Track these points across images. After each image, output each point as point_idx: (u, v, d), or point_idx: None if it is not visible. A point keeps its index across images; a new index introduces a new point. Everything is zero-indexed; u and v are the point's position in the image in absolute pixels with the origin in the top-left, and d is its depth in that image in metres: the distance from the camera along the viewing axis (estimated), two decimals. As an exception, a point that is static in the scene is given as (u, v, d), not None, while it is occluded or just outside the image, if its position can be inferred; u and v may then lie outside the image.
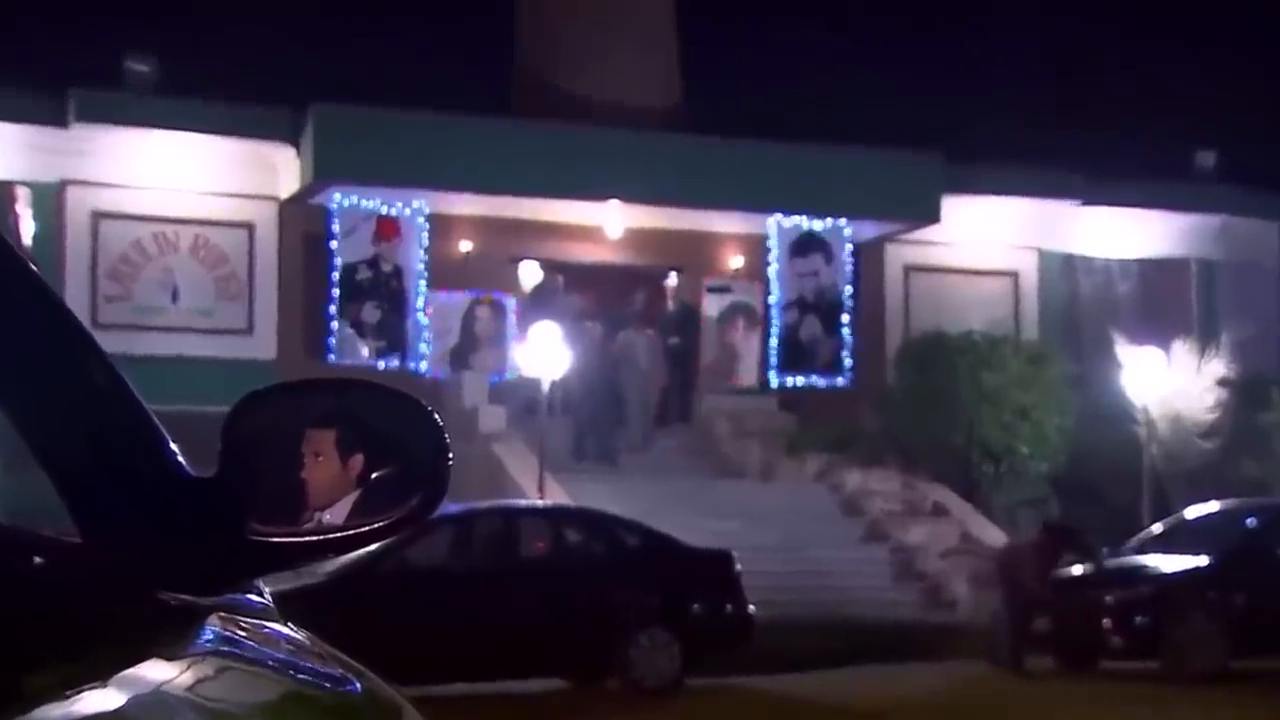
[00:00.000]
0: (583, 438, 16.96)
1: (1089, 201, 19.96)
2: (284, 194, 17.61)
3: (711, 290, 19.02)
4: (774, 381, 18.63)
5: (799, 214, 18.68)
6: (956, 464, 17.45)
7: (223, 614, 1.35)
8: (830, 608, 13.92)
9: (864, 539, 16.46)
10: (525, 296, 18.41)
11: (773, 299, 18.76)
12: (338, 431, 1.45)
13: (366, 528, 1.43)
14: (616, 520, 11.58)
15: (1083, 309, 20.50)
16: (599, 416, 16.94)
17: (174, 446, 1.41)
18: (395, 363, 17.42)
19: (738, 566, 11.32)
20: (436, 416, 1.45)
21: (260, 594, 1.47)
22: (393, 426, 1.46)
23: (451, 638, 10.29)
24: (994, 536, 16.16)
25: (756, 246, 18.93)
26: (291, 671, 1.34)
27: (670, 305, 19.15)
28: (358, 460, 1.45)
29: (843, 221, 18.83)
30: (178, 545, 1.36)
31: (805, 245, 18.82)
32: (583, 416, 16.93)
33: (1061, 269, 20.49)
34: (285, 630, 1.43)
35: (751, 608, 11.20)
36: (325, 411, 1.46)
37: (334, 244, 17.45)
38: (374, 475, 1.45)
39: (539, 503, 13.32)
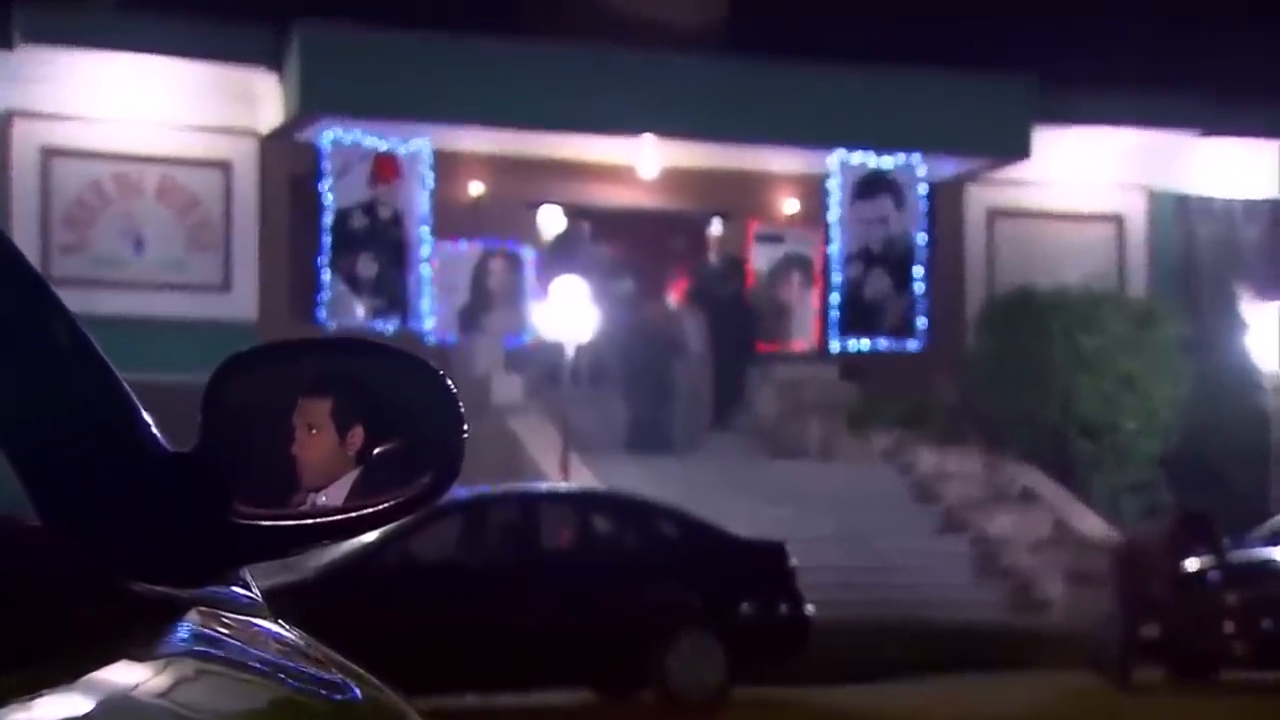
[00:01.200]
0: (641, 426, 17.01)
1: (1209, 131, 19.76)
2: (265, 128, 17.66)
3: (761, 239, 18.98)
4: (834, 346, 18.61)
5: (864, 149, 18.60)
6: (1049, 442, 17.40)
7: (204, 609, 1.37)
8: (900, 608, 13.94)
9: (940, 529, 16.44)
10: (545, 247, 18.43)
11: (833, 249, 18.71)
12: (334, 400, 1.45)
13: (368, 510, 1.44)
14: (652, 506, 11.62)
15: (1200, 259, 20.34)
16: (654, 400, 17.01)
17: (148, 417, 1.43)
18: (395, 324, 17.50)
19: (792, 560, 11.35)
20: (449, 381, 1.46)
21: (246, 587, 1.48)
22: (398, 394, 1.47)
23: (462, 642, 10.37)
24: (1093, 526, 16.12)
25: (814, 188, 18.86)
26: (282, 675, 1.35)
27: (713, 257, 19.14)
28: (357, 433, 1.46)
29: (916, 158, 18.72)
30: (152, 529, 1.37)
31: (871, 186, 18.74)
32: (636, 399, 16.99)
33: (1175, 212, 20.32)
34: (275, 628, 1.45)
35: (808, 608, 11.23)
36: (320, 377, 1.47)
37: (324, 186, 17.51)
38: (376, 451, 1.46)
39: (562, 486, 13.38)
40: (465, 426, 1.45)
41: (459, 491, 10.12)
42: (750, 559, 11.37)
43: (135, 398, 1.42)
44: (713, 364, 17.92)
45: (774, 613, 11.16)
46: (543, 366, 16.90)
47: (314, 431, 1.45)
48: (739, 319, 18.15)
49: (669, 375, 17.28)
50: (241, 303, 17.48)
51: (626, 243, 18.60)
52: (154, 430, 1.43)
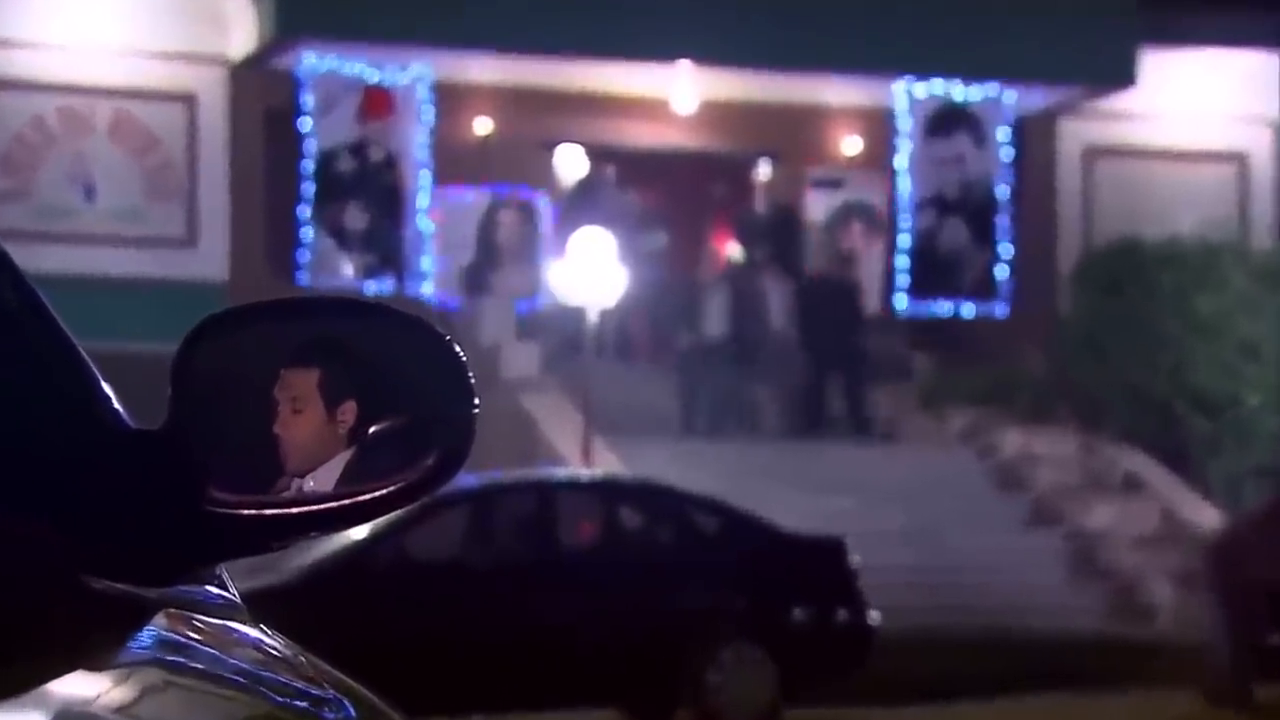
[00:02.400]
0: (701, 404, 16.94)
1: (1346, 55, 19.59)
2: (236, 55, 17.69)
3: (818, 185, 18.93)
4: (903, 308, 18.58)
5: (938, 78, 18.52)
6: (1157, 420, 17.34)
7: (173, 611, 1.38)
8: (979, 615, 13.94)
9: (1027, 522, 16.43)
10: (564, 195, 18.43)
11: (901, 196, 18.65)
12: (322, 370, 1.47)
13: (363, 498, 1.45)
14: (689, 497, 11.64)
15: (1336, 205, 20.19)
16: (727, 375, 16.97)
17: (109, 390, 1.44)
18: (389, 285, 17.55)
19: (854, 559, 11.36)
20: (457, 347, 1.48)
21: (223, 586, 1.50)
22: (397, 362, 1.48)
23: (468, 654, 10.43)
24: (1208, 518, 16.07)
25: (879, 124, 18.80)
26: (263, 688, 1.36)
27: (760, 206, 19.10)
28: (350, 409, 1.48)
29: (999, 88, 18.64)
30: (114, 519, 1.39)
31: (947, 121, 18.65)
32: (701, 374, 16.93)
33: (1306, 150, 20.17)
34: (256, 634, 1.46)
35: (873, 614, 11.25)
36: (305, 344, 1.49)
37: (305, 124, 17.53)
38: (372, 429, 1.48)
39: (584, 473, 13.42)
40: (476, 400, 1.47)
41: (465, 479, 10.17)
42: (804, 558, 11.39)
43: (94, 368, 1.44)
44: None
45: (832, 620, 11.18)
46: (561, 334, 16.92)
47: (299, 407, 1.47)
48: (815, 282, 18.07)
49: (748, 345, 17.16)
50: (209, 259, 17.55)
51: (659, 190, 18.58)
52: (116, 405, 1.45)
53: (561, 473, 13.31)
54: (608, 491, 11.81)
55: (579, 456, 14.78)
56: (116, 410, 1.45)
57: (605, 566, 11.06)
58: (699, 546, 11.37)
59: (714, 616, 10.95)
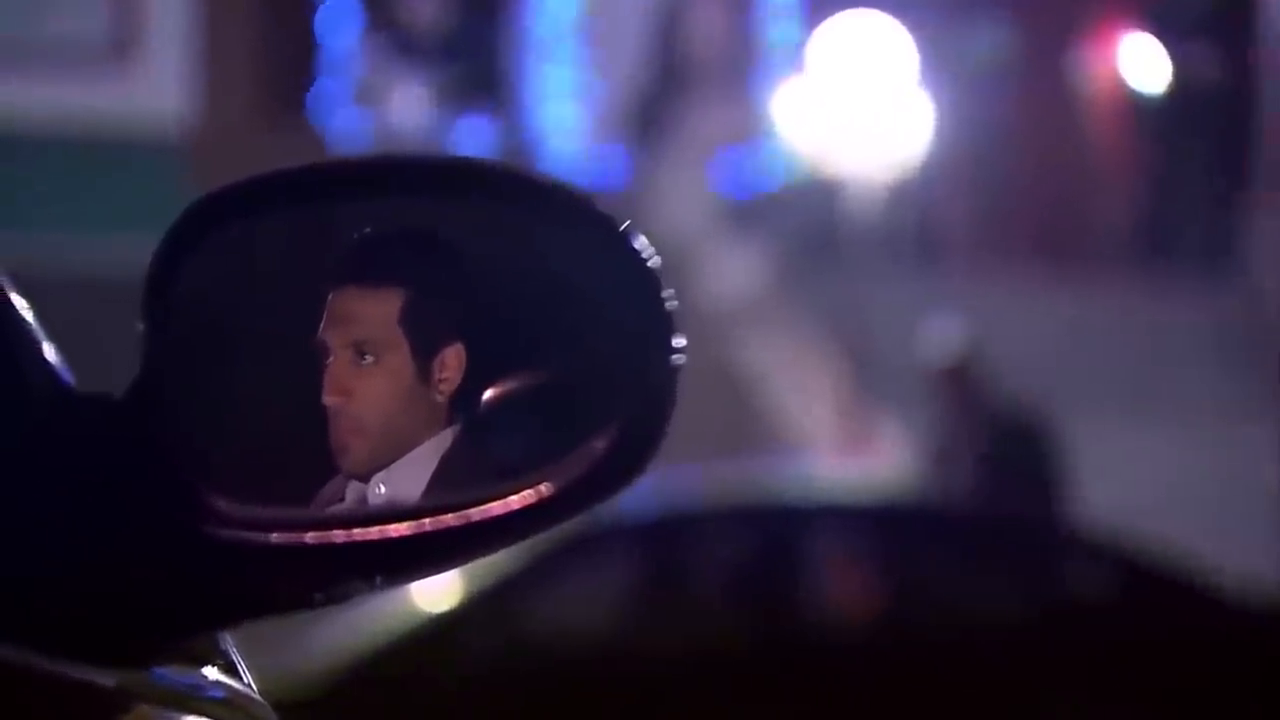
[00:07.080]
0: None
1: None
2: None
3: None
4: None
5: None
6: None
7: (147, 710, 1.47)
8: None
9: None
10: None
11: None
12: (408, 293, 1.55)
13: (477, 513, 1.51)
14: (1073, 535, 11.65)
15: None
16: None
17: (41, 334, 1.52)
18: (487, 129, 17.70)
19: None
20: (643, 245, 1.52)
21: (232, 669, 1.58)
22: (540, 277, 1.55)
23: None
24: None
25: None
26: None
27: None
28: (454, 358, 1.55)
29: None
30: (49, 549, 1.47)
31: None
32: None
33: None
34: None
35: None
36: (376, 244, 1.55)
37: None
38: (489, 393, 1.55)
39: (855, 483, 13.48)
40: (678, 342, 1.52)
41: (637, 497, 10.25)
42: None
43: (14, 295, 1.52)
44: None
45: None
46: (805, 225, 17.00)
47: (367, 358, 1.55)
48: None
49: None
50: (156, 83, 17.74)
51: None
52: (49, 353, 1.53)
53: (811, 481, 13.38)
54: (901, 521, 11.85)
55: (841, 447, 14.85)
56: (49, 361, 1.53)
57: (903, 659, 11.09)
58: (1095, 630, 11.29)
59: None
